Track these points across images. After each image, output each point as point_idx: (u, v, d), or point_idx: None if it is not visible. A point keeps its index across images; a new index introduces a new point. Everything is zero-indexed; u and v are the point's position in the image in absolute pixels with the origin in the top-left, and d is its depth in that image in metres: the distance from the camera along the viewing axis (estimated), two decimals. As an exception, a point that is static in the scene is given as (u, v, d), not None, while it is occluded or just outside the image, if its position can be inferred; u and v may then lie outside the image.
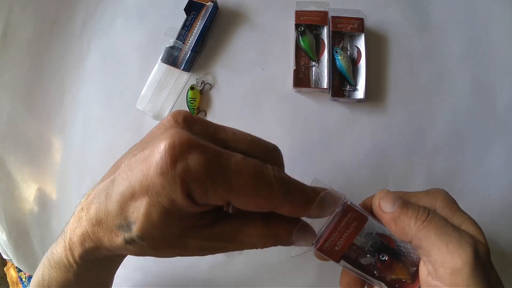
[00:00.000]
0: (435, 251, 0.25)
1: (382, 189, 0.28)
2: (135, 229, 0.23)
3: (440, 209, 0.27)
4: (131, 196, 0.22)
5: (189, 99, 0.47)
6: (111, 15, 0.52)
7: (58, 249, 0.29)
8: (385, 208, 0.27)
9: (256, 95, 0.47)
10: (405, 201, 0.27)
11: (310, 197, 0.25)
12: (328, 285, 0.45)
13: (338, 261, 0.27)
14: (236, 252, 0.45)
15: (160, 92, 0.47)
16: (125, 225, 0.23)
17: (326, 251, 0.26)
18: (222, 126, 0.25)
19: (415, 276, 0.28)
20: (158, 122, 0.49)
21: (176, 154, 0.20)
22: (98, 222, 0.24)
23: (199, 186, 0.21)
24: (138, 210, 0.22)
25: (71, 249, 0.28)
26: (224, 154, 0.22)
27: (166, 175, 0.20)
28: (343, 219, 0.26)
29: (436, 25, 0.48)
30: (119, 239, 0.24)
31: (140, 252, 0.25)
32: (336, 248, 0.26)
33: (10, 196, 0.49)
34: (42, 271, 0.31)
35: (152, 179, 0.21)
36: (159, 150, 0.21)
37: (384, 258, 0.28)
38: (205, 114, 0.48)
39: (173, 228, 0.23)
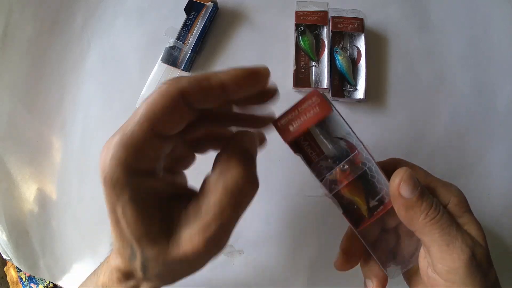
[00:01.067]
0: (436, 248, 0.26)
1: (405, 168, 0.26)
2: (136, 248, 0.23)
3: (451, 205, 0.27)
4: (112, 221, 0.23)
5: None
6: (111, 15, 0.52)
7: None
8: (404, 192, 0.26)
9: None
10: (423, 190, 0.26)
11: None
12: (327, 285, 0.45)
13: (289, 143, 0.25)
14: (236, 252, 0.45)
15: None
16: (131, 253, 0.23)
17: (281, 129, 0.25)
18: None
19: (374, 210, 0.27)
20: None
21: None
22: (122, 265, 0.25)
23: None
24: (124, 229, 0.23)
25: None
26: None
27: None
28: (305, 102, 0.25)
29: (436, 25, 0.48)
30: (138, 272, 0.24)
31: (161, 277, 0.25)
32: (290, 128, 0.24)
33: (10, 196, 0.50)
34: None
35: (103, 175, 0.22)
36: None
37: (345, 167, 0.26)
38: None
39: (152, 222, 0.23)
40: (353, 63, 0.46)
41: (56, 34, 0.52)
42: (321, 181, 0.26)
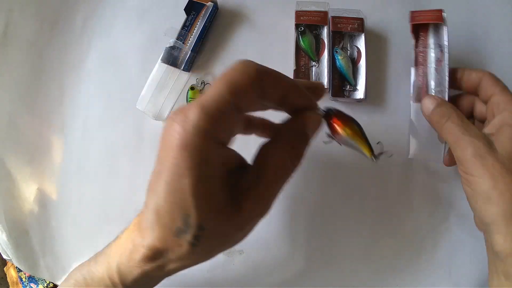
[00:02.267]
0: (449, 144, 0.35)
1: (429, 95, 0.39)
2: (193, 221, 0.23)
3: (483, 85, 0.36)
4: (178, 202, 0.22)
5: (189, 99, 0.47)
6: (111, 15, 0.52)
7: (100, 269, 0.29)
8: (424, 110, 0.38)
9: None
10: (437, 105, 0.36)
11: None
12: (328, 285, 0.45)
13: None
14: (236, 252, 0.45)
15: (160, 92, 0.47)
16: (183, 226, 0.23)
17: None
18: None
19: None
20: (158, 122, 0.49)
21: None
22: (158, 242, 0.24)
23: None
24: (185, 200, 0.22)
25: (120, 272, 0.27)
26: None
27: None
28: None
29: (436, 25, 0.48)
30: (184, 247, 0.24)
31: (207, 249, 0.25)
32: None
33: (10, 196, 0.49)
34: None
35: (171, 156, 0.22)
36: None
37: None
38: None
39: (220, 193, 0.24)
40: (353, 63, 0.46)
41: (56, 34, 0.52)
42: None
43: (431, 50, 0.42)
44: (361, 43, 0.46)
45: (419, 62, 0.42)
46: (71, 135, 0.50)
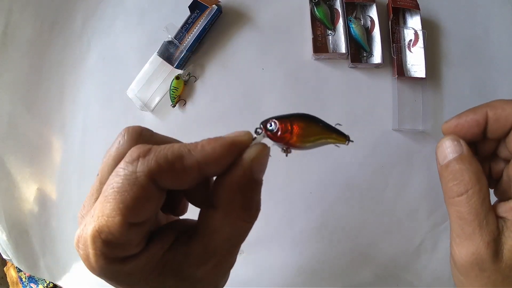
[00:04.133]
0: (452, 227, 0.25)
1: (450, 135, 0.26)
2: None
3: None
4: None
5: (172, 88, 0.47)
6: (111, 15, 0.52)
7: None
8: (439, 156, 0.26)
9: (255, 94, 0.47)
10: (460, 160, 0.24)
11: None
12: (328, 285, 0.45)
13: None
14: (236, 252, 0.45)
15: (150, 84, 0.48)
16: None
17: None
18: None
19: None
20: (158, 121, 0.49)
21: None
22: None
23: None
24: None
25: None
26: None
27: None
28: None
29: (436, 25, 0.48)
30: None
31: None
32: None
33: (10, 196, 0.50)
34: None
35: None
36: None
37: None
38: (185, 103, 0.48)
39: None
40: (367, 31, 0.47)
41: (56, 34, 0.52)
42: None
43: (404, 30, 0.46)
44: (373, 13, 0.47)
45: (395, 39, 0.46)
46: (71, 135, 0.50)
